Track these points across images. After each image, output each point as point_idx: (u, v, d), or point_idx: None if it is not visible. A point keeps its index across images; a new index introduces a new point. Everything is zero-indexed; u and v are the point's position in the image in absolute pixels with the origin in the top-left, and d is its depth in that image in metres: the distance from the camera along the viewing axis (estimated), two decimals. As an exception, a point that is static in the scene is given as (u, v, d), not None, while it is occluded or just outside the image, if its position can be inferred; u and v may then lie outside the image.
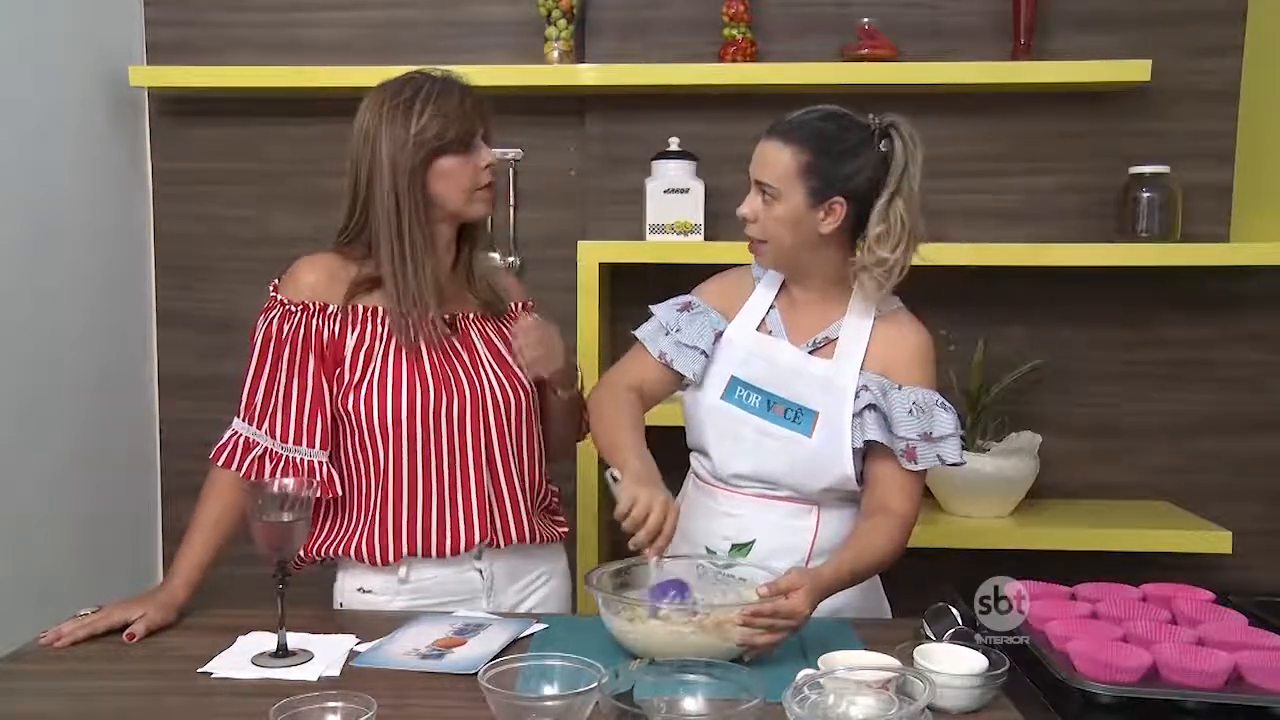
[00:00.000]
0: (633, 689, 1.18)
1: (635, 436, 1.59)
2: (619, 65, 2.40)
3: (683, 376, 1.69)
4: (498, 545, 1.66)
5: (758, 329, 1.67)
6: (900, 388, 1.59)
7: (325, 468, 1.61)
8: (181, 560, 1.60)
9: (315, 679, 1.36)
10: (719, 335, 1.68)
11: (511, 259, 2.54)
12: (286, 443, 1.60)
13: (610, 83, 2.39)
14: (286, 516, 1.42)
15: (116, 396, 2.50)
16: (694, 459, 1.74)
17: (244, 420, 1.62)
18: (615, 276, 2.49)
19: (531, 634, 1.52)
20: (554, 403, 1.75)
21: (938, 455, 1.58)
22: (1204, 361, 2.51)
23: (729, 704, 1.19)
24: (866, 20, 2.39)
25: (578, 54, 2.46)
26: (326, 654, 1.44)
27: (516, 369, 1.70)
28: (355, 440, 1.62)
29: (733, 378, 1.65)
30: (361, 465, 1.63)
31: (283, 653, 1.42)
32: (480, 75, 2.36)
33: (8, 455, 2.09)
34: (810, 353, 1.63)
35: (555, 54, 2.41)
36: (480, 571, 1.67)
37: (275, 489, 1.44)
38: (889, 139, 1.57)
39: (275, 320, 1.60)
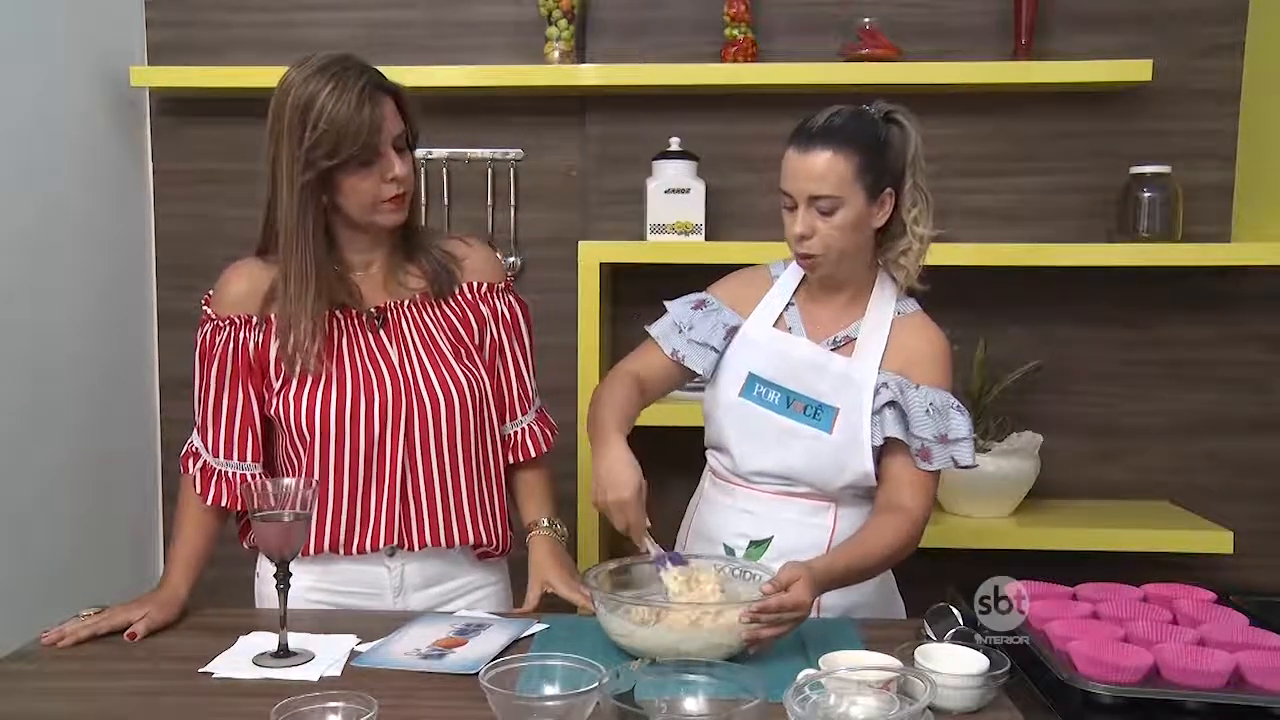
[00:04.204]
0: (633, 689, 1.17)
1: (618, 416, 1.59)
2: (619, 65, 2.40)
3: (692, 374, 1.70)
4: (409, 548, 1.62)
5: (775, 325, 1.68)
6: (918, 388, 1.59)
7: (259, 480, 1.55)
8: (175, 556, 1.61)
9: (316, 679, 1.36)
10: (732, 331, 1.68)
11: (512, 259, 2.55)
12: (218, 456, 1.61)
13: (611, 83, 2.39)
14: (286, 516, 1.42)
15: (116, 396, 2.50)
16: (711, 456, 1.75)
17: (196, 429, 1.65)
18: (616, 276, 2.49)
19: (532, 634, 1.52)
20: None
21: (951, 457, 1.58)
22: (1204, 361, 2.51)
23: (730, 704, 1.19)
24: (867, 20, 2.39)
25: (578, 54, 2.46)
26: (327, 654, 1.43)
27: (452, 363, 1.62)
28: (285, 442, 1.62)
29: (750, 374, 1.65)
30: (290, 466, 1.63)
31: (284, 653, 1.42)
32: (480, 75, 2.40)
33: (8, 455, 2.09)
34: (831, 351, 1.64)
35: (556, 54, 2.41)
36: (389, 569, 1.64)
37: (275, 489, 1.43)
38: (896, 124, 1.60)
39: (208, 335, 1.61)
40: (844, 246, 1.57)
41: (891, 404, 1.58)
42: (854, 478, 1.61)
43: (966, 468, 1.61)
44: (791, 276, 1.70)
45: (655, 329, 1.73)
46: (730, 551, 1.66)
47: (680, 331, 1.70)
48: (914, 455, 1.58)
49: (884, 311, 1.64)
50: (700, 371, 1.69)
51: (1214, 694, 1.28)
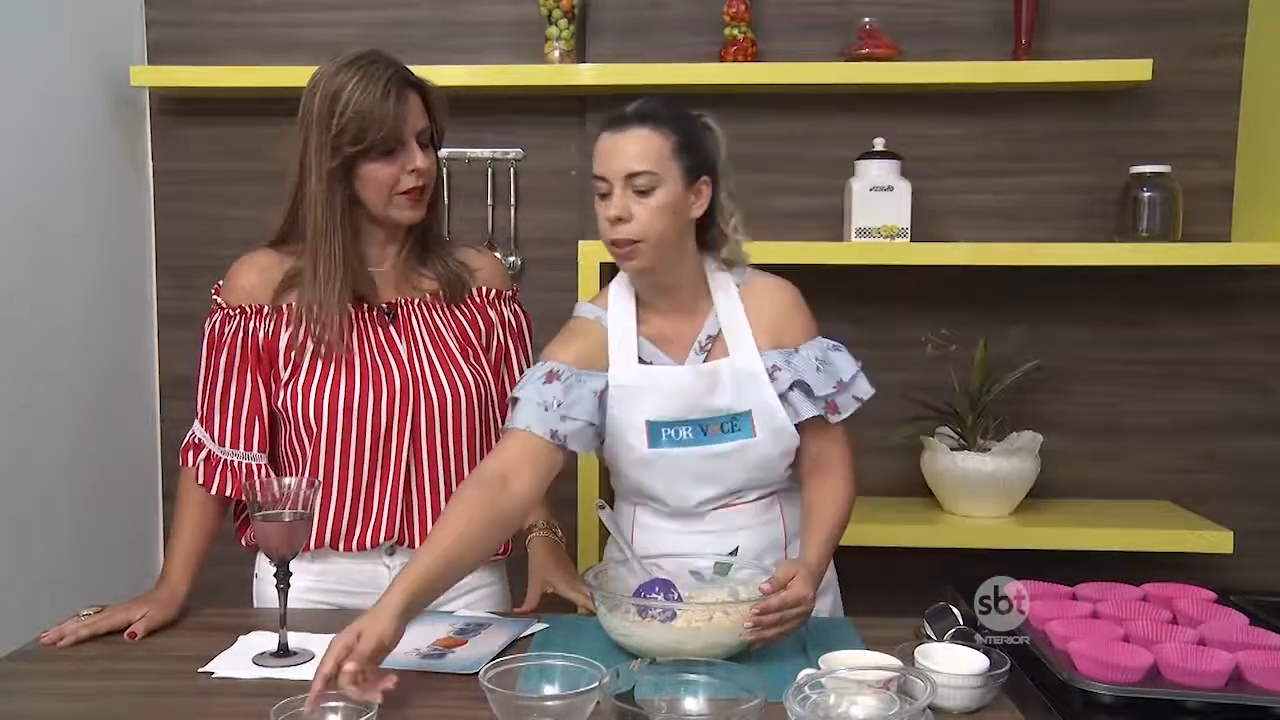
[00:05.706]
0: (633, 689, 1.17)
1: (426, 558, 1.39)
2: (619, 65, 2.40)
3: (571, 454, 1.56)
4: (410, 545, 1.62)
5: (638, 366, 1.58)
6: (798, 350, 1.58)
7: (264, 470, 1.61)
8: (173, 554, 1.61)
9: (316, 679, 1.36)
10: (602, 394, 1.56)
11: (512, 259, 2.55)
12: (224, 445, 1.61)
13: (610, 83, 2.39)
14: (287, 516, 1.42)
15: (116, 396, 2.49)
16: (637, 498, 1.65)
17: (198, 421, 1.65)
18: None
19: (532, 634, 1.52)
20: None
21: (854, 398, 1.59)
22: (1204, 361, 2.51)
23: (730, 704, 1.19)
24: (867, 20, 2.38)
25: (578, 54, 2.46)
26: (327, 654, 1.43)
27: (460, 362, 1.64)
28: (290, 434, 1.63)
29: (649, 423, 1.56)
30: (292, 460, 1.63)
31: (284, 652, 1.42)
32: (480, 75, 2.40)
33: (8, 456, 2.08)
34: (704, 360, 1.59)
35: (556, 54, 2.41)
36: (388, 568, 1.64)
37: (276, 489, 1.43)
38: (708, 128, 1.59)
39: (217, 324, 1.62)
40: (662, 231, 1.49)
41: (794, 385, 1.57)
42: (789, 459, 1.61)
43: (871, 398, 1.60)
44: (618, 315, 1.60)
45: (521, 420, 1.52)
46: (697, 575, 1.58)
47: (548, 410, 1.51)
48: (825, 414, 1.58)
49: (729, 294, 1.61)
50: (583, 450, 1.57)
51: (1214, 694, 1.28)
